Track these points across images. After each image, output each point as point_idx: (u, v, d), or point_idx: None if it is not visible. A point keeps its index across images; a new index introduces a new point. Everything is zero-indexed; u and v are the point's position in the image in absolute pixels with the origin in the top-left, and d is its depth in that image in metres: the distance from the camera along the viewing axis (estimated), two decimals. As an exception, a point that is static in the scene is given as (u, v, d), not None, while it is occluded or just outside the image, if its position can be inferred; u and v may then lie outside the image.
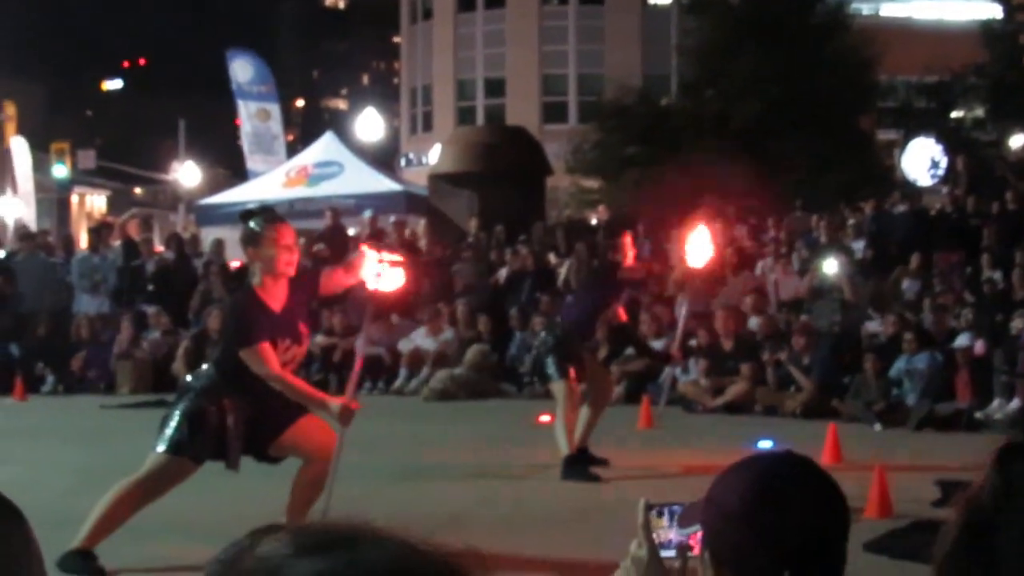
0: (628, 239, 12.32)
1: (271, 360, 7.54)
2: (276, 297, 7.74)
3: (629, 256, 11.91)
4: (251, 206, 8.31)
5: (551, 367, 11.67)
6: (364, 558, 1.21)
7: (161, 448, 7.68)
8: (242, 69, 35.86)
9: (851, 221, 23.23)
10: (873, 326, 18.02)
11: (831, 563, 2.49)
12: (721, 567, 2.51)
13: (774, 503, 2.46)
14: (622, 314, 12.28)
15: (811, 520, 2.45)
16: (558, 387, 11.56)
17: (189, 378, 8.19)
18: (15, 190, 42.52)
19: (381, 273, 7.89)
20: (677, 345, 13.61)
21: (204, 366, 8.19)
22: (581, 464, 11.39)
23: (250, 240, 7.75)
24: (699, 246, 12.51)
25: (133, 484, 7.70)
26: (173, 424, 7.68)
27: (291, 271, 7.74)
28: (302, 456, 7.97)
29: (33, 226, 33.44)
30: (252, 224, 7.72)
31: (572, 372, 11.52)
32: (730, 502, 2.49)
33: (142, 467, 7.76)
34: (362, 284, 8.02)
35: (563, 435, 11.40)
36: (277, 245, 7.66)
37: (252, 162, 34.51)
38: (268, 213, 7.93)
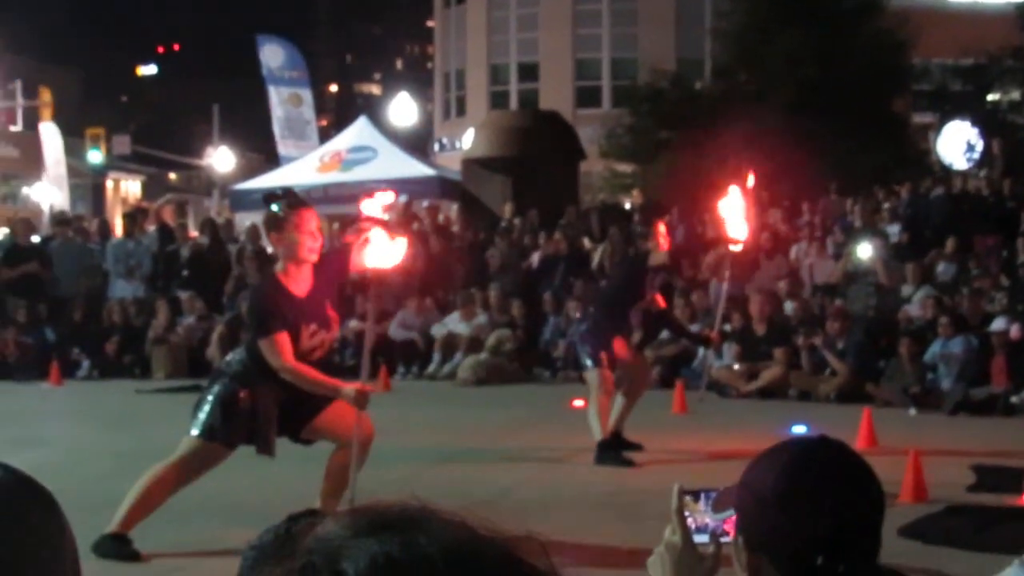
0: (663, 226, 12.31)
1: (285, 351, 7.52)
2: (300, 282, 7.69)
3: (663, 243, 11.89)
4: (276, 190, 8.22)
5: (584, 355, 11.69)
6: (422, 540, 1.20)
7: (195, 432, 7.71)
8: (273, 54, 35.87)
9: (886, 205, 23.14)
10: (912, 310, 17.92)
11: (865, 548, 2.49)
12: (754, 552, 2.51)
13: (808, 488, 2.46)
14: (660, 300, 12.26)
15: (845, 505, 2.45)
16: (592, 375, 11.56)
17: (222, 362, 8.21)
18: (47, 176, 42.65)
19: (380, 248, 7.84)
20: (717, 327, 13.57)
21: (236, 351, 8.20)
22: (615, 449, 11.39)
23: (272, 225, 7.74)
24: (736, 220, 12.45)
25: (167, 468, 7.73)
26: (206, 409, 7.70)
27: (314, 257, 7.68)
28: (333, 440, 7.98)
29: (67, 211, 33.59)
30: (274, 208, 7.66)
31: (604, 359, 11.51)
32: (764, 487, 2.49)
33: (176, 451, 7.79)
34: (360, 267, 7.96)
35: (596, 421, 11.40)
36: (300, 231, 7.59)
37: (284, 147, 34.55)
38: (291, 198, 7.82)
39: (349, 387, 7.63)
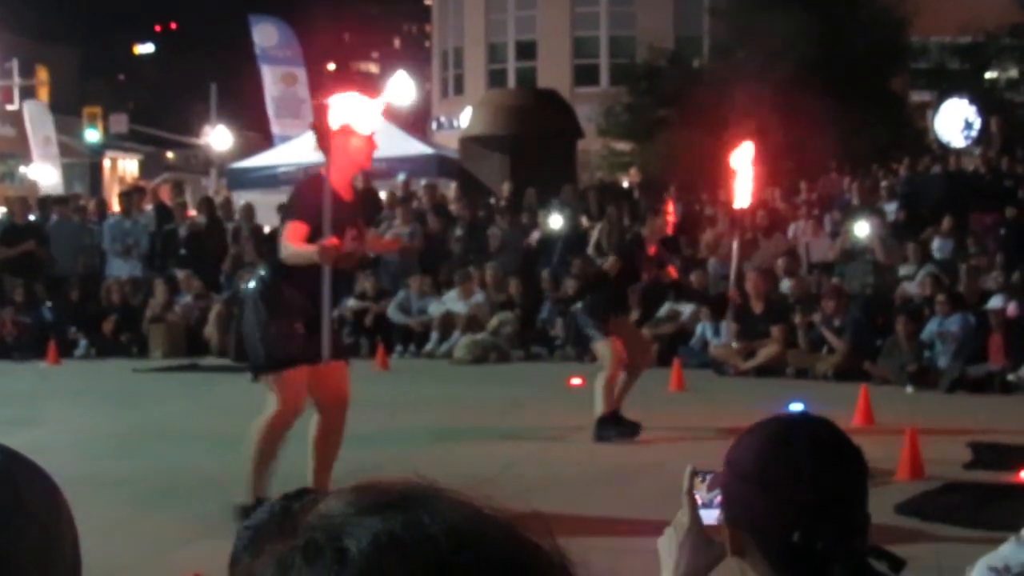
0: (670, 206, 12.33)
1: (296, 236, 7.66)
2: (343, 189, 7.99)
3: (669, 224, 11.94)
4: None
5: (591, 328, 11.64)
6: (426, 519, 1.20)
7: (265, 372, 7.82)
8: (265, 34, 35.70)
9: (884, 183, 23.13)
10: (910, 288, 17.93)
11: (848, 525, 2.49)
12: (736, 528, 2.52)
13: (785, 463, 2.47)
14: (672, 271, 12.26)
15: (823, 480, 2.46)
16: (602, 346, 11.55)
17: (246, 285, 8.30)
18: (32, 156, 42.47)
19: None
20: (732, 285, 13.50)
21: (258, 270, 8.29)
22: (614, 425, 11.39)
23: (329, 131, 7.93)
24: (744, 184, 12.43)
25: (266, 420, 7.79)
26: (256, 347, 7.81)
27: (367, 164, 8.15)
28: (315, 399, 7.98)
29: (59, 190, 33.55)
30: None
31: (612, 328, 11.53)
32: (744, 464, 2.51)
33: (263, 404, 7.84)
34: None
35: (601, 394, 11.39)
36: (357, 137, 7.96)
37: (278, 126, 34.44)
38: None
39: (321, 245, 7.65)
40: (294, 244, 7.64)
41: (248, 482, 7.77)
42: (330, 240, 7.57)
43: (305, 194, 7.96)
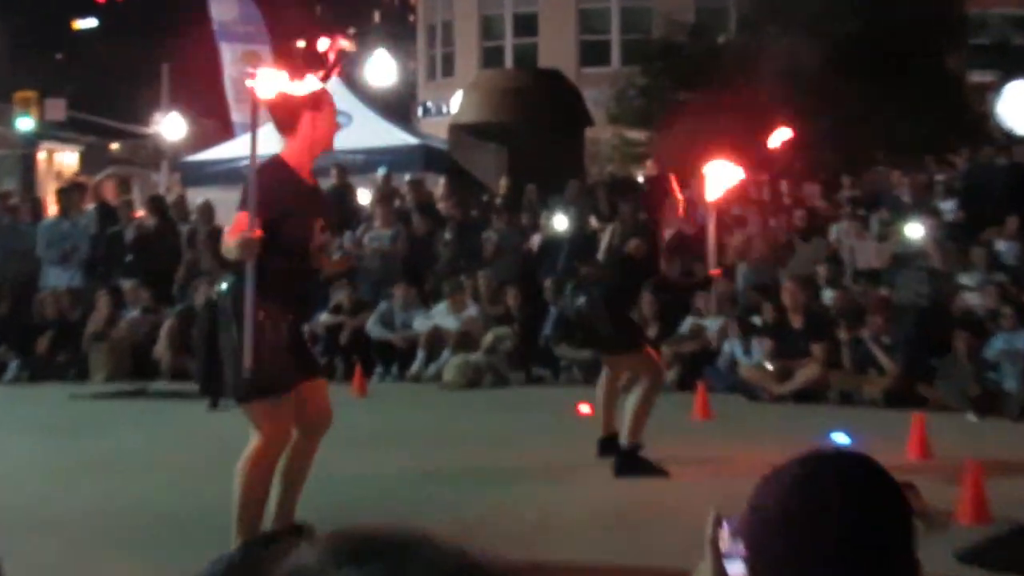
0: (675, 183, 12.31)
1: (236, 230, 7.60)
2: (306, 173, 8.05)
3: (679, 207, 11.95)
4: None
5: (614, 331, 11.61)
6: (410, 570, 1.18)
7: (246, 402, 7.78)
8: (225, 7, 35.80)
9: (939, 177, 23.17)
10: (971, 298, 17.94)
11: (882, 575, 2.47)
12: (760, 577, 2.51)
13: (810, 505, 2.45)
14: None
15: (855, 526, 2.44)
16: (634, 356, 11.56)
17: (217, 297, 8.21)
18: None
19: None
20: (713, 262, 13.34)
21: (219, 284, 8.24)
22: (638, 458, 11.33)
23: (311, 104, 7.98)
24: (716, 177, 12.38)
25: (254, 457, 7.76)
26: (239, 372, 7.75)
27: (331, 144, 8.17)
28: (296, 421, 7.96)
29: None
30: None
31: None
32: (768, 507, 2.50)
33: (250, 436, 7.82)
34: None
35: (634, 416, 11.33)
36: (332, 112, 8.10)
37: (238, 113, 34.48)
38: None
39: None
40: (228, 237, 7.61)
41: (239, 531, 7.72)
42: (255, 231, 7.52)
43: (258, 180, 7.80)
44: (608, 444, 11.72)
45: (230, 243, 7.55)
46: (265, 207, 7.58)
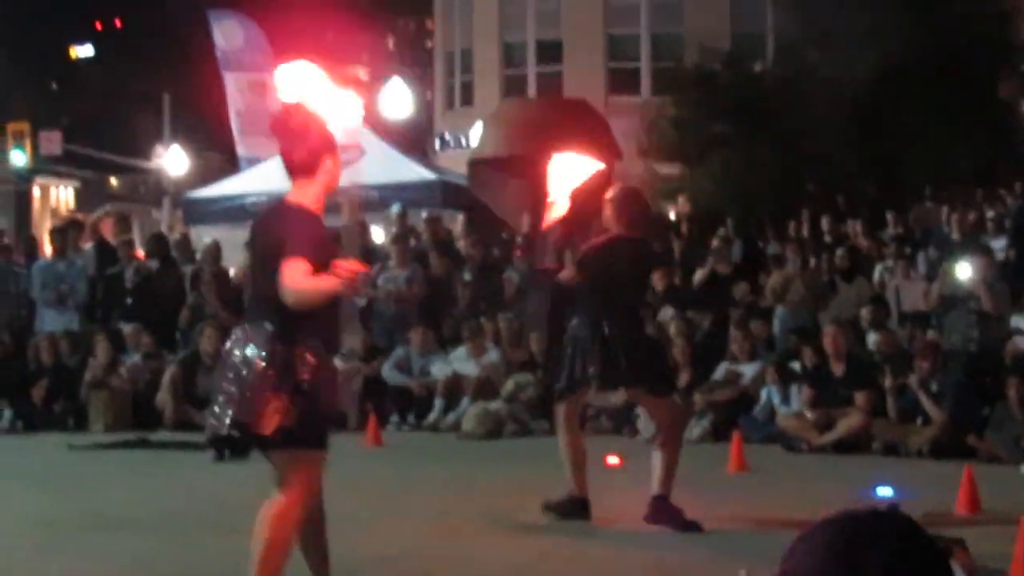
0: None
1: (306, 272, 7.58)
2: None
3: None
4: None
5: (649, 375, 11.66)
6: None
7: (288, 452, 7.76)
8: (229, 34, 35.78)
9: (990, 213, 23.11)
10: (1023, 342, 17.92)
11: None
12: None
13: (850, 571, 2.45)
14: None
15: None
16: (667, 402, 11.62)
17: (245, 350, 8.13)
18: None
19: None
20: (553, 257, 13.13)
21: (242, 339, 8.09)
22: (670, 507, 11.35)
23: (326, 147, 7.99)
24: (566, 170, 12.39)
25: (283, 510, 7.75)
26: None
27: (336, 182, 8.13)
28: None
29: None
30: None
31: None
32: (802, 571, 2.50)
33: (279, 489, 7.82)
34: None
35: (668, 465, 11.38)
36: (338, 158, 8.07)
37: (245, 146, 34.43)
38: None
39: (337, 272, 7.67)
40: (307, 281, 7.56)
41: None
42: (349, 267, 7.61)
43: (298, 225, 7.83)
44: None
45: (321, 284, 7.57)
46: (306, 252, 7.63)
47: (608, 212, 12.05)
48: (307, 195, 7.87)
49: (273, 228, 7.90)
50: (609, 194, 12.23)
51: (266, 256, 7.76)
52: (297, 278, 7.54)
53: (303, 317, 7.62)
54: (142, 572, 8.02)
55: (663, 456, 11.45)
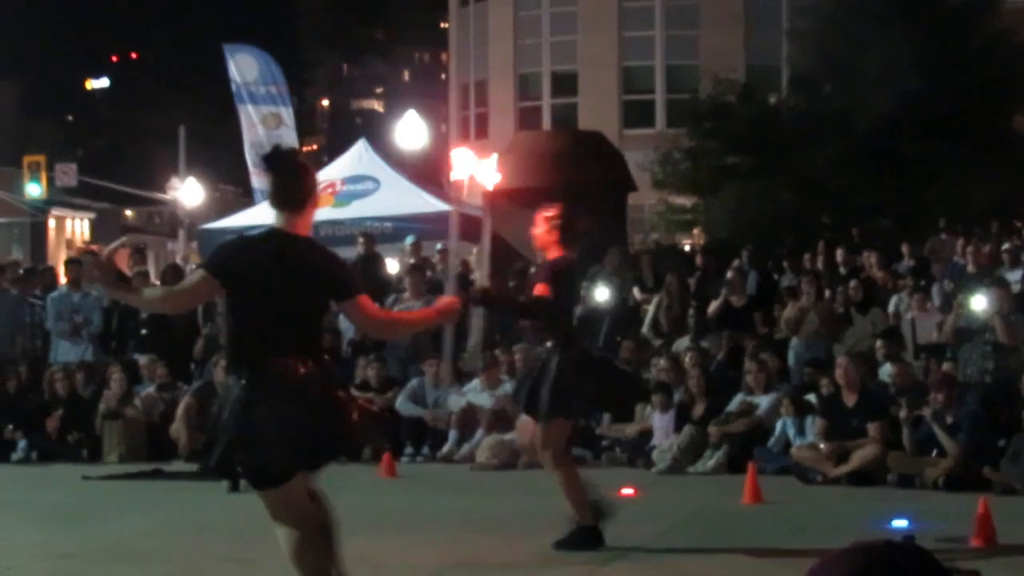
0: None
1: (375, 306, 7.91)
2: None
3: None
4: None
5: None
6: None
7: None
8: (244, 66, 35.90)
9: (1006, 245, 23.09)
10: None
11: None
12: None
13: None
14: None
15: None
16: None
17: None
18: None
19: None
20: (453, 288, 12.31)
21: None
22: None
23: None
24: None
25: (300, 549, 7.67)
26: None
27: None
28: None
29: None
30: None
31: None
32: None
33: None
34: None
35: None
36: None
37: (259, 179, 34.50)
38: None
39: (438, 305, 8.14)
40: (402, 317, 7.78)
41: None
42: (450, 301, 8.12)
43: (339, 261, 8.10)
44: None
45: (421, 317, 7.76)
46: (355, 276, 7.81)
47: (550, 234, 12.14)
48: (298, 226, 7.87)
49: (316, 261, 7.87)
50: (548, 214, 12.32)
51: (317, 288, 7.75)
52: (395, 313, 7.87)
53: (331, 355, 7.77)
54: None
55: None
